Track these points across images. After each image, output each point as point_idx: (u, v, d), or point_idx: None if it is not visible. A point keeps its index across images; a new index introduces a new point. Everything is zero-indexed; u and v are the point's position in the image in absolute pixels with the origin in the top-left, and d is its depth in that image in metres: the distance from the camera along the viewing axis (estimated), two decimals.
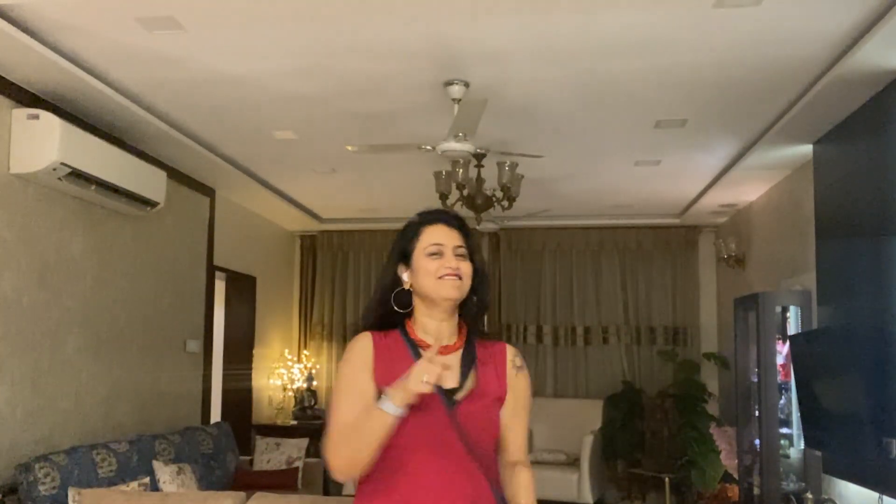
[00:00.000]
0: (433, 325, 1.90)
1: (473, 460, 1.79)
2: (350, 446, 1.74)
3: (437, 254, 1.88)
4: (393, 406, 1.70)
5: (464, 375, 1.87)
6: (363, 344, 1.89)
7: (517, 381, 1.94)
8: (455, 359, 1.89)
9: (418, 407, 1.75)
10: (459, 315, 1.94)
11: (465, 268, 1.89)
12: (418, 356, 1.80)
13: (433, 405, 1.78)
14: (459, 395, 1.83)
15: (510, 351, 1.96)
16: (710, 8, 3.33)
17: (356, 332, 1.95)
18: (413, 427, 1.76)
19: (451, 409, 1.80)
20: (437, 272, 1.86)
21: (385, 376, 1.81)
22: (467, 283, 1.89)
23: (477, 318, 1.96)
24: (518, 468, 1.93)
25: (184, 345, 6.14)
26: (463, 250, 1.91)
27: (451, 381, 1.83)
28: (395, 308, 1.91)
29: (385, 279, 1.94)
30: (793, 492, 5.02)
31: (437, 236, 1.90)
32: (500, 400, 1.90)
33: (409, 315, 1.93)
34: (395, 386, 1.72)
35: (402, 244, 1.94)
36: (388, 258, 1.96)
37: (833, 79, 3.89)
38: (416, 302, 1.92)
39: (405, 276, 1.91)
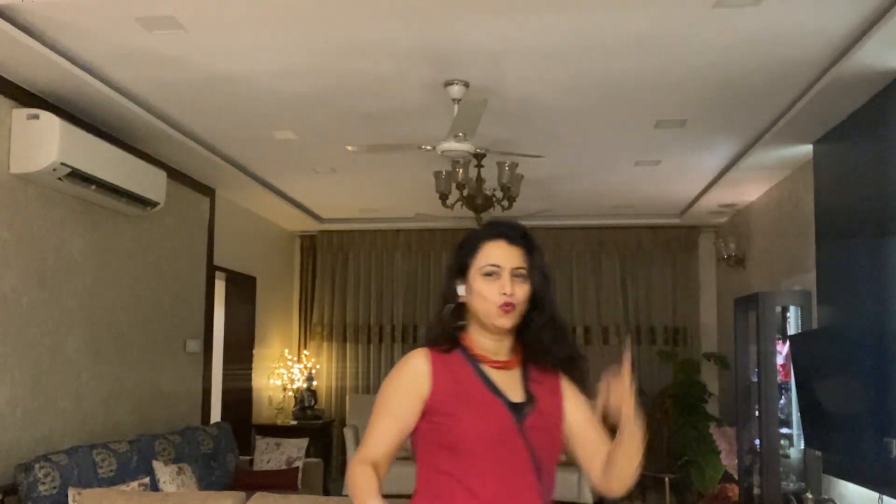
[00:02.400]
0: (489, 342, 1.80)
1: (537, 478, 1.74)
2: (352, 487, 1.68)
3: (493, 275, 1.75)
4: None
5: (526, 391, 1.79)
6: (416, 363, 1.78)
7: (579, 401, 1.83)
8: (514, 374, 1.81)
9: (482, 416, 1.71)
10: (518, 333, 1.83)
11: (522, 292, 1.76)
12: (481, 373, 1.77)
13: (498, 416, 1.73)
14: (527, 410, 1.76)
15: (565, 380, 1.86)
16: (710, 8, 3.33)
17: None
18: (478, 438, 1.71)
19: (521, 424, 1.74)
20: (491, 297, 1.74)
21: (446, 393, 1.74)
22: (521, 308, 1.77)
23: (534, 345, 1.82)
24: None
25: (184, 345, 6.14)
26: (522, 271, 1.76)
27: (516, 396, 1.77)
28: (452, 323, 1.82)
29: (445, 293, 1.84)
30: (793, 492, 5.02)
31: (495, 255, 1.77)
32: (559, 418, 1.81)
33: (464, 329, 1.83)
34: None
35: (459, 258, 1.81)
36: (447, 270, 1.85)
37: (833, 79, 3.89)
38: (471, 317, 1.81)
39: (461, 291, 1.80)
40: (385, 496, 1.74)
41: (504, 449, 1.71)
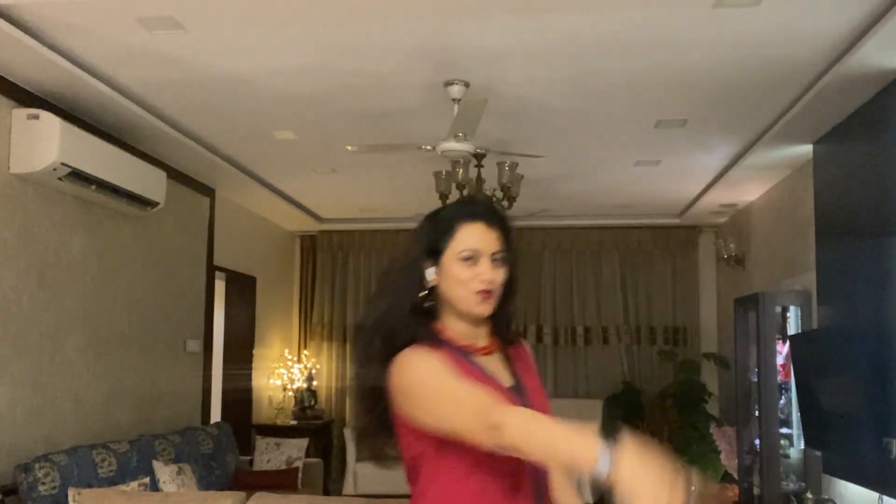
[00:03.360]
0: (468, 330, 1.68)
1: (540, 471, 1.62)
2: (529, 438, 1.38)
3: (471, 259, 1.63)
4: (606, 463, 1.29)
5: (514, 375, 1.69)
6: (435, 356, 1.57)
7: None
8: (497, 358, 1.71)
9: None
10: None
11: (499, 277, 1.65)
12: (475, 364, 1.64)
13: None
14: (524, 393, 1.66)
15: (527, 345, 1.83)
16: (710, 8, 3.33)
17: (371, 336, 1.64)
18: None
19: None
20: (470, 284, 1.62)
21: None
22: (499, 292, 1.66)
23: (502, 323, 1.74)
24: None
25: (184, 345, 6.14)
26: (501, 255, 1.65)
27: (507, 381, 1.67)
28: (423, 309, 1.66)
29: (411, 275, 1.65)
30: (793, 492, 5.02)
31: (475, 239, 1.63)
32: (544, 393, 1.73)
33: (433, 319, 1.68)
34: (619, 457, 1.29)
35: (432, 238, 1.65)
36: (412, 251, 1.67)
37: (833, 79, 3.89)
38: (443, 305, 1.67)
39: (430, 274, 1.65)
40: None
41: None
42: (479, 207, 1.70)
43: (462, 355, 1.64)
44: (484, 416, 1.41)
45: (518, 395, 1.64)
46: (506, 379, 1.67)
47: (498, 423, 1.39)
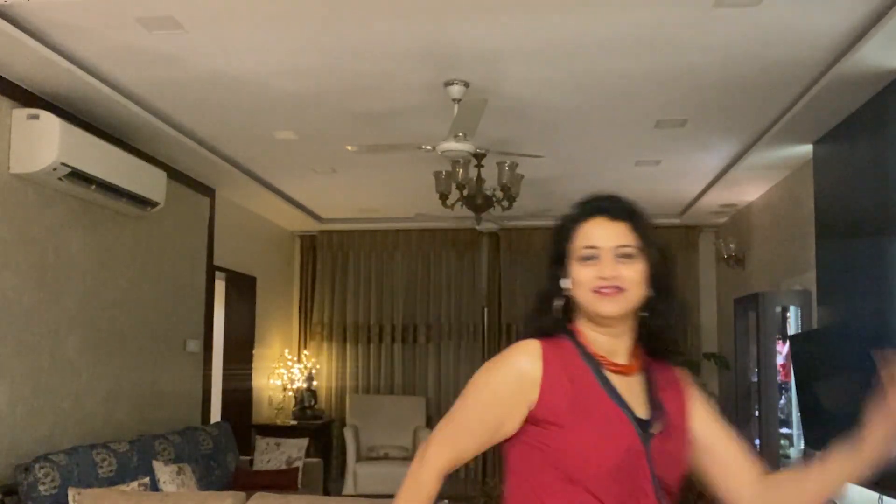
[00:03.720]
0: (603, 339, 1.52)
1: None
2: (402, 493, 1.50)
3: (592, 258, 1.50)
4: None
5: (651, 404, 1.52)
6: (524, 366, 1.49)
7: (708, 408, 1.63)
8: (636, 381, 1.53)
9: (604, 433, 1.45)
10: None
11: (631, 273, 1.48)
12: (602, 377, 1.50)
13: (623, 435, 1.46)
14: (655, 429, 1.49)
15: (689, 377, 1.64)
16: (710, 8, 3.33)
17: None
18: (595, 458, 1.43)
19: (648, 445, 1.47)
20: (591, 283, 1.48)
21: (558, 397, 1.47)
22: (635, 292, 1.49)
23: (656, 336, 1.55)
24: (776, 475, 1.68)
25: (184, 345, 6.14)
26: (629, 249, 1.50)
27: (640, 409, 1.50)
28: (559, 317, 1.56)
29: (544, 286, 1.57)
30: None
31: (593, 235, 1.51)
32: (687, 434, 1.58)
33: (571, 320, 1.56)
34: None
35: (556, 247, 1.56)
36: (544, 263, 1.59)
37: (833, 79, 3.89)
38: (580, 313, 1.55)
39: (567, 283, 1.53)
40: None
41: (625, 475, 1.44)
42: (596, 201, 1.60)
43: (591, 364, 1.51)
44: (430, 447, 1.52)
45: (643, 430, 1.48)
46: (640, 408, 1.50)
47: (422, 462, 1.50)
